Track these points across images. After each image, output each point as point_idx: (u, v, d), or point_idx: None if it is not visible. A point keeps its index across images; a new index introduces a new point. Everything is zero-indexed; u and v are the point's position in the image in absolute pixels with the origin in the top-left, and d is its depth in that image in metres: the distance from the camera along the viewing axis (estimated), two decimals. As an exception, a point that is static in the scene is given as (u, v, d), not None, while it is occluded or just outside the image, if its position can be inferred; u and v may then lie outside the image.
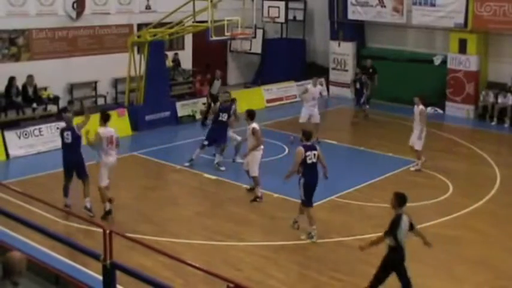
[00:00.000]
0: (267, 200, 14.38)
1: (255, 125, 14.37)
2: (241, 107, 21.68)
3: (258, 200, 14.19)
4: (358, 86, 21.45)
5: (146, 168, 16.94)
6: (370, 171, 16.52)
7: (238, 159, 16.49)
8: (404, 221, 9.41)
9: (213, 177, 15.83)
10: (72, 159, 13.32)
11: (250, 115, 14.50)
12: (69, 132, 13.35)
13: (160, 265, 10.40)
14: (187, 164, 16.56)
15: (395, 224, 9.32)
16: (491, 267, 11.22)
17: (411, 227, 9.52)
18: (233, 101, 17.30)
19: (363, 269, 11.09)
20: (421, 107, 16.46)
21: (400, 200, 9.42)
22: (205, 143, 16.57)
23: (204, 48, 24.60)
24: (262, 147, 14.51)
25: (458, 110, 22.94)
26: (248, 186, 14.84)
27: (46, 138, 17.98)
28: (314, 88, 18.98)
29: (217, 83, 21.29)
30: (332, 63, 26.35)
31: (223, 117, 16.58)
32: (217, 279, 6.71)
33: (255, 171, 14.38)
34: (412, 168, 16.50)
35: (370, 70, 22.64)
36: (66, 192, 13.41)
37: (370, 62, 23.13)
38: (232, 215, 13.54)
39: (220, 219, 13.28)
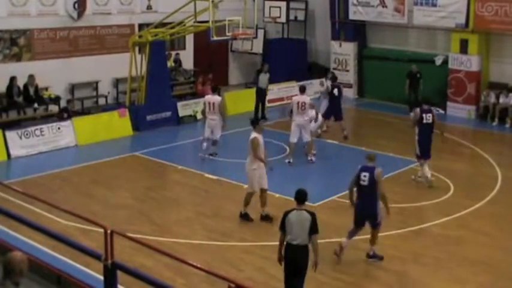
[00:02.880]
0: (268, 200, 14.33)
1: (255, 135, 13.06)
2: (242, 107, 21.80)
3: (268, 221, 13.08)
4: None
5: (147, 168, 16.94)
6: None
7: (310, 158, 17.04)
8: (295, 219, 9.16)
9: (214, 177, 15.83)
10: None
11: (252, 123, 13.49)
12: None
13: (162, 265, 10.40)
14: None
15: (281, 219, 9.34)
16: (493, 268, 11.21)
17: (312, 229, 9.11)
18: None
19: (365, 269, 11.12)
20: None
21: (295, 196, 9.36)
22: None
23: (205, 49, 24.63)
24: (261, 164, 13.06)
25: (459, 111, 22.92)
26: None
27: (47, 138, 17.98)
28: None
29: (264, 77, 20.84)
30: (333, 63, 26.34)
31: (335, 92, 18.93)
32: (218, 279, 6.71)
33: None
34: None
35: (418, 75, 22.52)
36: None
37: (415, 67, 22.85)
38: (233, 214, 13.52)
39: (222, 219, 13.29)
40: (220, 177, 15.78)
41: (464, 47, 22.77)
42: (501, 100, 21.86)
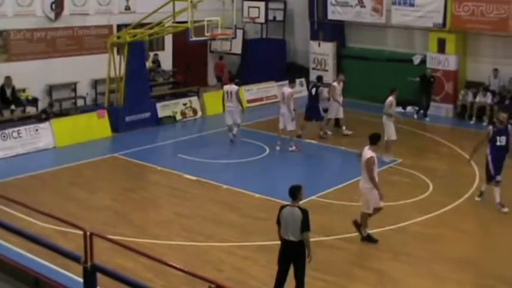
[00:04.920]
0: (248, 200, 14.37)
1: (372, 154, 12.00)
2: (220, 108, 21.75)
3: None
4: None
5: (126, 169, 16.86)
6: (350, 170, 16.53)
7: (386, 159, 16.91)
8: (288, 215, 9.23)
9: (194, 177, 15.79)
10: None
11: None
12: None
13: (141, 266, 10.36)
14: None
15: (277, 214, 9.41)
16: (473, 265, 11.30)
17: (303, 226, 9.16)
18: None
19: (345, 268, 11.15)
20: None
21: (288, 192, 9.40)
22: None
23: (184, 49, 24.57)
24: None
25: (437, 109, 23.08)
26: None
27: (25, 140, 17.82)
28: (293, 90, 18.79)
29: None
30: (312, 63, 26.40)
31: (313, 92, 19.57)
32: (198, 280, 6.69)
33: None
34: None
35: (431, 79, 22.62)
36: None
37: (429, 71, 22.81)
38: (213, 215, 13.52)
39: (201, 220, 13.26)
40: (200, 178, 15.74)
41: (441, 47, 22.95)
42: (478, 99, 22.06)
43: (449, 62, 22.81)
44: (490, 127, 14.18)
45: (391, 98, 17.56)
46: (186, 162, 17.06)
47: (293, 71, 27.09)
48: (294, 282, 9.42)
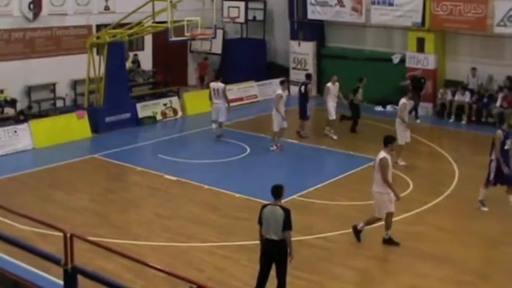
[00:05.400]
0: (228, 200, 14.36)
1: (384, 154, 11.82)
2: (201, 107, 21.77)
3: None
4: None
5: (106, 170, 16.78)
6: (331, 169, 16.68)
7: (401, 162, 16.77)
8: (269, 214, 9.24)
9: (174, 178, 15.75)
10: None
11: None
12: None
13: (122, 268, 10.31)
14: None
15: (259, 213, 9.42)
16: (452, 263, 11.38)
17: (285, 225, 9.18)
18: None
19: (326, 267, 11.18)
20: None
21: (270, 191, 9.41)
22: None
23: (164, 49, 24.50)
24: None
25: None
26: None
27: (3, 141, 17.68)
28: (284, 93, 18.66)
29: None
30: (292, 62, 26.44)
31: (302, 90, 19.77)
32: (179, 281, 6.67)
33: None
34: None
35: (422, 80, 22.63)
36: None
37: (420, 72, 22.93)
38: (193, 215, 13.50)
39: (182, 220, 13.23)
40: (180, 178, 15.70)
41: (421, 46, 23.09)
42: (457, 97, 22.22)
43: (428, 61, 22.95)
44: (500, 131, 13.51)
45: (404, 101, 17.09)
46: (166, 163, 17.02)
47: (273, 71, 27.15)
48: (276, 281, 9.44)
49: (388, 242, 11.94)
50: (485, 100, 21.86)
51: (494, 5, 20.96)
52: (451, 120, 22.13)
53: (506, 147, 13.43)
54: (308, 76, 20.65)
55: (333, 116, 19.67)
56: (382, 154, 11.69)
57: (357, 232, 12.05)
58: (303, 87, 20.00)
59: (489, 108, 21.68)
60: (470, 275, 10.95)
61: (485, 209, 13.68)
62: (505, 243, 12.17)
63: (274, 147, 18.10)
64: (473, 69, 22.32)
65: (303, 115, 19.87)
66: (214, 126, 19.43)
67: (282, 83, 18.70)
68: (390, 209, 11.77)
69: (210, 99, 19.34)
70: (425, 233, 12.71)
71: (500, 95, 21.43)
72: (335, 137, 19.42)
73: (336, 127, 19.78)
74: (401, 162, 16.75)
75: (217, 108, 19.18)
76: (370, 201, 14.18)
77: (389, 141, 11.99)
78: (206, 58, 26.99)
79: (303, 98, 19.92)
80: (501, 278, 10.82)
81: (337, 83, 19.85)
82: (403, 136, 16.83)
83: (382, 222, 12.07)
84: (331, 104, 19.65)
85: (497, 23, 20.94)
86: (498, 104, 21.32)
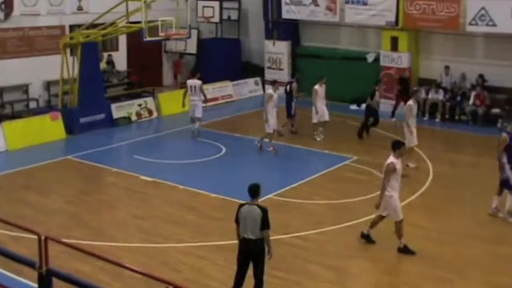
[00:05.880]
0: (204, 200, 14.35)
1: (393, 159, 11.64)
2: (177, 108, 21.74)
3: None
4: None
5: (81, 171, 16.66)
6: (307, 168, 16.70)
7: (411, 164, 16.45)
8: (247, 213, 9.25)
9: (150, 178, 15.68)
10: None
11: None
12: None
13: (98, 270, 10.25)
14: None
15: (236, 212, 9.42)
16: (427, 259, 11.47)
17: (263, 224, 9.19)
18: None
19: (301, 266, 11.21)
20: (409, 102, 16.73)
21: (248, 190, 9.41)
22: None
23: (139, 49, 24.38)
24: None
25: (391, 106, 23.35)
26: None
27: (-24, 143, 17.48)
28: (275, 94, 18.15)
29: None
30: (267, 62, 26.48)
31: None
32: (155, 282, 6.66)
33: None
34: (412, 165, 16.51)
35: (408, 81, 22.64)
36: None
37: (407, 73, 22.99)
38: (169, 216, 13.46)
39: (158, 221, 13.18)
40: (156, 179, 15.64)
41: (394, 45, 23.26)
42: (430, 95, 22.42)
43: (402, 59, 23.13)
44: (505, 134, 13.16)
45: (410, 103, 16.62)
46: (142, 163, 16.94)
47: (248, 71, 27.21)
48: (253, 281, 9.44)
49: (404, 251, 11.64)
50: (458, 98, 22.09)
51: (466, 4, 21.20)
52: (425, 118, 22.30)
53: None
54: (293, 75, 20.65)
55: (325, 117, 19.28)
56: (390, 159, 11.52)
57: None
58: (288, 86, 20.10)
59: (462, 106, 21.93)
60: (446, 271, 11.05)
61: (502, 215, 13.18)
62: (479, 239, 12.30)
63: (270, 148, 17.90)
64: (447, 67, 22.54)
65: (288, 113, 19.94)
66: (197, 124, 19.55)
67: (273, 83, 18.62)
68: (383, 212, 11.73)
69: (185, 95, 19.58)
70: (395, 232, 12.77)
71: (473, 93, 21.68)
72: (319, 139, 19.33)
73: (325, 129, 19.60)
74: (412, 165, 16.46)
75: (194, 105, 19.41)
76: (346, 200, 14.34)
77: (397, 146, 11.70)
78: (181, 56, 26.99)
79: (288, 96, 19.97)
80: (476, 274, 10.94)
81: (324, 85, 19.56)
82: (410, 139, 16.18)
83: (356, 221, 12.12)
84: (320, 106, 19.30)
85: (469, 22, 21.18)
86: (471, 102, 21.57)
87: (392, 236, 12.38)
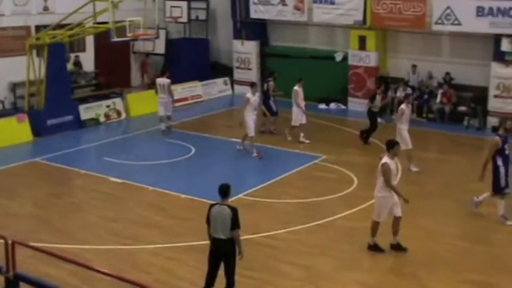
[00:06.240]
0: (174, 201, 14.30)
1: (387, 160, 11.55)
2: (145, 109, 21.65)
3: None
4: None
5: (49, 174, 16.46)
6: (276, 168, 16.72)
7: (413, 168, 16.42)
8: (217, 214, 9.24)
9: (119, 180, 15.58)
10: None
11: None
12: None
13: (67, 273, 10.15)
14: None
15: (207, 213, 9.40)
16: (396, 255, 11.59)
17: (233, 224, 9.18)
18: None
19: (272, 265, 11.23)
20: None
21: (218, 190, 9.40)
22: None
23: (107, 50, 24.19)
24: None
25: (360, 105, 23.46)
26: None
27: None
28: (254, 97, 17.69)
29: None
30: (236, 62, 26.48)
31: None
32: (126, 284, 6.62)
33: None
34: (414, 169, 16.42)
35: (389, 80, 22.74)
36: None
37: (388, 73, 23.14)
38: (139, 217, 13.39)
39: (128, 223, 13.10)
40: (126, 180, 15.54)
41: (362, 44, 23.43)
42: (398, 94, 22.61)
43: (370, 58, 23.31)
44: (497, 137, 12.99)
45: (402, 107, 16.60)
46: (111, 165, 16.83)
47: (217, 70, 27.18)
48: (224, 281, 9.44)
49: (397, 247, 11.68)
50: (425, 96, 22.33)
51: (433, 3, 21.44)
52: (393, 117, 22.47)
53: (506, 152, 12.91)
54: (270, 74, 20.60)
55: (303, 120, 19.03)
56: (385, 159, 11.42)
57: (375, 247, 11.72)
58: (265, 85, 20.19)
59: (429, 104, 22.17)
60: (414, 267, 11.17)
61: (510, 222, 12.93)
62: (446, 236, 12.45)
63: (255, 154, 17.50)
64: (414, 66, 22.78)
65: (270, 112, 19.91)
66: (162, 126, 19.84)
67: (251, 85, 18.22)
68: (397, 213, 11.51)
69: (156, 93, 20.15)
70: (369, 228, 12.85)
71: (440, 91, 21.94)
72: (307, 141, 18.98)
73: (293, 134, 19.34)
74: (414, 169, 16.36)
75: (163, 103, 19.80)
76: (316, 198, 14.41)
77: (391, 146, 11.57)
78: (147, 56, 26.92)
79: (266, 95, 19.99)
80: (442, 269, 11.06)
81: (302, 86, 19.19)
82: (404, 142, 15.71)
83: (326, 220, 12.18)
84: (298, 109, 18.97)
85: (435, 21, 21.43)
86: (438, 100, 21.82)
87: (361, 234, 12.48)
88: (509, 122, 13.21)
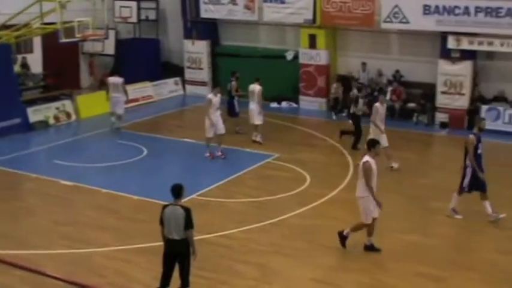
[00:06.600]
0: (127, 202, 14.18)
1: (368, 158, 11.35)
2: (96, 110, 21.41)
3: None
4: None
5: (-3, 178, 16.13)
6: (229, 167, 16.74)
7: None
8: (170, 214, 9.24)
9: (70, 183, 15.36)
10: None
11: None
12: None
13: (19, 280, 9.95)
14: None
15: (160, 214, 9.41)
16: (348, 252, 11.72)
17: (186, 224, 9.19)
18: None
19: (226, 265, 11.24)
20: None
21: (170, 191, 9.41)
22: None
23: (55, 51, 23.76)
24: None
25: (311, 103, 23.76)
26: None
27: None
28: (216, 98, 17.43)
29: (361, 102, 18.66)
30: (187, 62, 26.38)
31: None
32: (78, 289, 6.55)
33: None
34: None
35: (350, 79, 22.81)
36: None
37: (349, 72, 23.30)
38: (92, 220, 13.23)
39: (80, 226, 12.93)
40: (77, 183, 15.34)
41: (313, 42, 23.61)
42: (333, 90, 22.90)
43: (320, 56, 23.51)
44: (472, 136, 12.89)
45: (377, 105, 16.52)
46: (61, 168, 16.57)
47: (168, 71, 27.02)
48: (179, 282, 9.41)
49: (370, 248, 11.72)
50: (375, 94, 22.59)
51: (381, 2, 21.74)
52: (344, 114, 22.73)
53: (479, 151, 12.87)
54: (232, 73, 20.49)
55: (260, 120, 18.94)
56: (366, 158, 11.23)
57: (343, 238, 11.77)
58: (229, 85, 20.02)
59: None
60: (366, 263, 11.34)
61: (459, 216, 13.19)
62: (397, 231, 12.64)
63: (215, 154, 17.43)
64: (363, 64, 23.06)
65: (231, 112, 19.80)
66: (112, 119, 20.04)
67: (213, 87, 18.40)
68: (374, 214, 11.45)
69: (108, 93, 20.20)
70: (323, 225, 13.01)
71: (390, 89, 22.27)
72: (262, 141, 18.88)
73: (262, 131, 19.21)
74: (394, 165, 16.33)
75: (115, 102, 19.95)
76: (269, 197, 14.46)
77: (372, 145, 11.42)
78: (91, 56, 26.61)
79: (229, 95, 19.89)
80: (395, 264, 11.25)
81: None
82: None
83: (279, 218, 12.24)
84: (257, 108, 18.90)
85: (384, 19, 21.75)
86: (388, 97, 22.11)
87: (314, 231, 12.62)
88: (484, 121, 13.37)
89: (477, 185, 12.91)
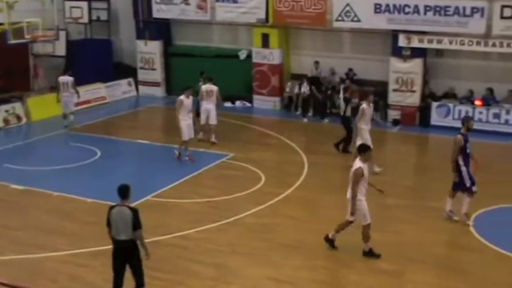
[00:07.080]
0: (80, 205, 13.96)
1: (360, 164, 11.21)
2: (48, 112, 21.02)
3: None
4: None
5: None
6: (184, 168, 16.64)
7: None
8: (117, 215, 9.18)
9: (21, 187, 15.06)
10: None
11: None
12: None
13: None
14: None
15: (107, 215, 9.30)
16: (305, 250, 11.78)
17: (134, 225, 9.10)
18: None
19: (183, 265, 11.18)
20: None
21: (117, 191, 9.36)
22: None
23: (4, 53, 23.24)
24: None
25: (265, 103, 23.81)
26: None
27: None
28: (188, 99, 16.98)
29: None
30: (140, 62, 26.14)
31: None
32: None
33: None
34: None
35: (319, 79, 22.81)
36: None
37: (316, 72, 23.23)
38: (44, 224, 12.99)
39: (32, 231, 12.68)
40: (28, 187, 15.04)
41: (266, 41, 23.66)
42: (303, 90, 22.98)
43: (273, 56, 23.57)
44: (459, 136, 12.78)
45: (363, 106, 15.94)
46: (12, 172, 16.23)
47: (121, 71, 26.72)
48: (133, 283, 9.30)
49: (330, 242, 11.71)
50: (329, 92, 22.79)
51: (333, 1, 21.92)
52: (298, 113, 22.86)
53: (468, 151, 12.79)
54: (201, 74, 20.26)
55: (214, 121, 18.76)
56: (358, 164, 11.13)
57: (330, 241, 11.74)
58: (197, 86, 19.60)
59: (333, 99, 22.63)
60: (324, 260, 11.41)
61: (470, 222, 12.97)
62: (356, 227, 12.72)
63: (187, 158, 17.14)
64: (316, 62, 23.21)
65: (199, 114, 19.33)
66: (71, 117, 20.34)
67: (186, 89, 17.20)
68: (351, 218, 11.40)
69: (58, 92, 20.19)
70: (278, 223, 13.05)
71: (342, 86, 22.41)
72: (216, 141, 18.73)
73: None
74: (377, 169, 15.81)
75: (67, 101, 20.13)
76: (224, 197, 14.43)
77: (362, 150, 11.38)
78: (36, 57, 26.01)
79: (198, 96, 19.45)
80: (352, 260, 11.34)
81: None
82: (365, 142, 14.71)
83: (235, 217, 12.19)
84: (212, 108, 18.75)
85: (335, 18, 21.93)
86: (341, 95, 22.26)
87: (270, 230, 12.63)
88: (472, 121, 13.27)
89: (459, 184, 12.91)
